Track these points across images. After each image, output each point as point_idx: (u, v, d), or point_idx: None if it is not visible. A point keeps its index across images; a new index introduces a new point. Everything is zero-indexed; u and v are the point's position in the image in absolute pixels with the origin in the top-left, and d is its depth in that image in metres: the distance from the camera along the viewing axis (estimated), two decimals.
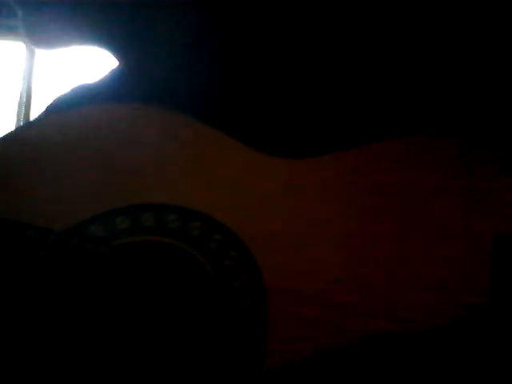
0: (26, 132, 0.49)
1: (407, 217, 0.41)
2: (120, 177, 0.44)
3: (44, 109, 0.57)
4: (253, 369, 0.38)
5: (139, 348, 0.39)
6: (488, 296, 0.38)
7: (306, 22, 0.49)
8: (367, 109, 0.47)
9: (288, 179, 0.43)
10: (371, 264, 0.40)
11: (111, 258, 0.40)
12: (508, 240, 0.39)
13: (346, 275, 0.40)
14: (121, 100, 0.49)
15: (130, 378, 0.39)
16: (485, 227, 0.40)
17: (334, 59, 0.49)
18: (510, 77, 0.45)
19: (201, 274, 0.41)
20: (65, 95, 0.56)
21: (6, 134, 0.48)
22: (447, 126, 0.44)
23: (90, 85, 0.55)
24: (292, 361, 0.38)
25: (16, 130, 0.50)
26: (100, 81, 0.55)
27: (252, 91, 0.49)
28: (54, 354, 0.39)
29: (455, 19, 0.47)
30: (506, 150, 0.42)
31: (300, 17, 0.49)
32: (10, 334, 0.39)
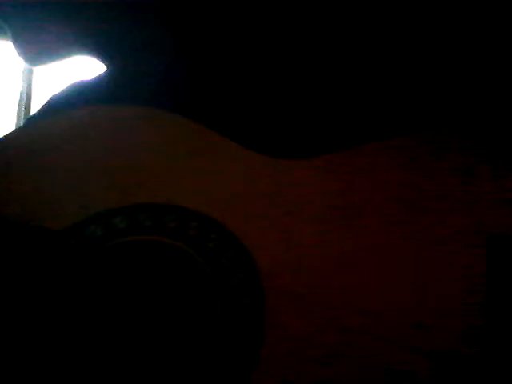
0: (26, 133, 0.49)
1: (405, 217, 0.41)
2: (118, 177, 0.44)
3: (40, 107, 0.57)
4: (250, 365, 0.38)
5: (138, 346, 0.39)
6: (484, 296, 0.38)
7: (302, 21, 0.49)
8: (364, 109, 0.47)
9: (286, 180, 0.44)
10: (370, 263, 0.40)
11: (109, 258, 0.40)
12: (502, 240, 0.39)
13: (343, 274, 0.40)
14: (113, 101, 0.49)
15: (128, 377, 0.39)
16: (483, 227, 0.40)
17: (329, 60, 0.49)
18: (508, 78, 0.46)
19: (198, 273, 0.41)
20: (59, 94, 0.56)
21: (6, 135, 0.48)
22: (446, 126, 0.44)
23: (82, 84, 0.55)
24: (289, 358, 0.38)
25: (15, 130, 0.50)
26: (92, 81, 0.55)
27: (246, 91, 0.50)
28: (52, 353, 0.39)
29: (455, 20, 0.47)
30: (504, 152, 0.42)
31: (295, 16, 0.50)
32: (10, 333, 0.39)
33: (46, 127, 0.47)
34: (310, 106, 0.48)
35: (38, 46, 0.53)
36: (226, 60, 0.50)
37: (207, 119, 0.45)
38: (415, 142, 0.43)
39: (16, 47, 0.54)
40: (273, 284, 0.40)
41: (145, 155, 0.44)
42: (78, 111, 0.47)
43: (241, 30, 0.50)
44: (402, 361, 0.37)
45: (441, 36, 0.47)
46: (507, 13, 0.46)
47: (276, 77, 0.49)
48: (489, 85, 0.45)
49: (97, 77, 0.56)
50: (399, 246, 0.40)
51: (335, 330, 0.38)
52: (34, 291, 0.40)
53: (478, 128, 0.44)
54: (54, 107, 0.55)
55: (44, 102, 0.58)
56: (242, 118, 0.48)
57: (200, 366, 0.38)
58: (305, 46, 0.49)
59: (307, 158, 0.43)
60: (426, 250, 0.40)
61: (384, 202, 0.41)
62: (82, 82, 0.56)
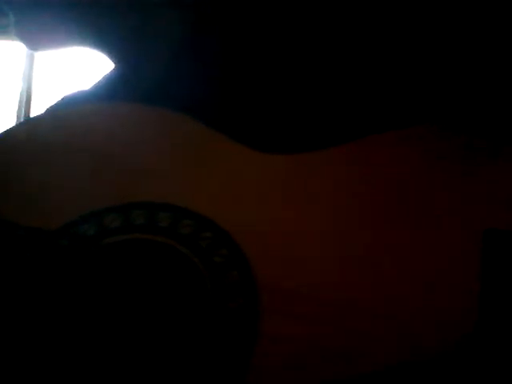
0: (25, 130, 0.49)
1: (406, 212, 0.41)
2: (118, 176, 0.44)
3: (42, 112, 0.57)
4: (241, 366, 0.38)
5: (133, 345, 0.39)
6: (479, 292, 0.38)
7: (302, 18, 0.49)
8: (365, 101, 0.47)
9: (285, 176, 0.43)
10: (367, 261, 0.40)
11: (101, 257, 0.40)
12: (498, 235, 0.39)
13: (341, 273, 0.40)
14: (115, 99, 0.49)
15: (125, 377, 0.39)
16: (483, 222, 0.40)
17: (330, 53, 0.49)
18: (509, 74, 0.45)
19: (192, 272, 0.41)
20: (62, 100, 0.56)
21: (5, 131, 0.48)
22: (446, 124, 0.44)
23: (86, 90, 0.55)
24: (281, 359, 0.38)
25: (15, 127, 0.49)
26: (97, 84, 0.55)
27: (247, 88, 0.49)
28: (49, 353, 0.39)
29: (457, 16, 0.47)
30: (505, 146, 0.42)
31: (296, 12, 0.49)
32: (4, 333, 0.39)
33: (46, 126, 0.47)
34: (310, 102, 0.48)
35: (41, 31, 0.53)
36: (228, 60, 0.50)
37: (209, 118, 0.45)
38: (414, 139, 0.43)
39: (18, 31, 0.54)
40: (270, 283, 0.39)
41: (146, 155, 0.44)
42: (79, 110, 0.47)
43: (244, 28, 0.50)
44: (398, 356, 0.37)
45: (441, 31, 0.47)
46: (507, 11, 0.46)
47: (278, 73, 0.49)
48: (490, 81, 0.45)
49: (101, 80, 0.55)
50: (399, 245, 0.40)
51: (334, 330, 0.38)
52: (27, 292, 0.39)
53: (477, 125, 0.44)
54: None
55: (46, 110, 0.58)
56: (245, 116, 0.48)
57: (194, 364, 0.38)
58: (306, 43, 0.49)
59: (306, 155, 0.43)
60: (425, 249, 0.40)
61: (383, 200, 0.41)
62: (85, 88, 0.55)
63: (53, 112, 0.53)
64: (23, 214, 0.42)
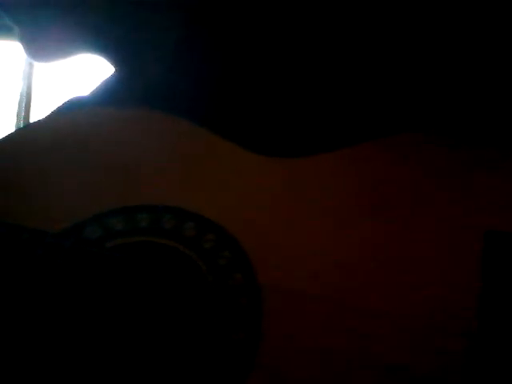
0: (27, 133, 0.49)
1: (404, 215, 0.41)
2: (118, 177, 0.44)
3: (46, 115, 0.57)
4: (247, 366, 0.38)
5: (136, 348, 0.40)
6: (479, 293, 0.38)
7: (299, 20, 0.49)
8: (362, 106, 0.47)
9: (284, 179, 0.44)
10: (369, 261, 0.40)
11: (105, 260, 0.40)
12: (499, 237, 0.39)
13: (343, 275, 0.40)
14: (118, 105, 0.49)
15: (127, 378, 0.39)
16: (482, 225, 0.40)
17: (326, 57, 0.49)
18: (506, 76, 0.46)
19: (195, 274, 0.41)
20: (62, 106, 0.56)
21: (7, 135, 0.49)
22: (444, 124, 0.44)
23: (85, 96, 0.55)
24: (286, 359, 0.38)
25: (16, 131, 0.50)
26: (96, 89, 0.55)
27: (245, 91, 0.50)
28: (51, 355, 0.39)
29: (450, 19, 0.47)
30: (503, 148, 0.42)
31: (293, 14, 0.50)
32: (6, 337, 0.39)
33: (46, 128, 0.47)
34: (309, 105, 0.48)
35: (45, 43, 0.53)
36: (229, 61, 0.50)
37: (209, 120, 0.45)
38: (413, 139, 0.43)
39: (22, 43, 0.53)
40: (274, 285, 0.40)
41: (146, 157, 0.44)
42: (79, 112, 0.47)
43: (243, 29, 0.50)
44: (401, 359, 0.37)
45: (435, 34, 0.47)
46: (506, 13, 0.46)
47: (276, 77, 0.49)
48: (488, 84, 0.45)
49: (100, 84, 0.55)
50: (399, 246, 0.40)
51: (336, 331, 0.38)
52: (30, 293, 0.40)
53: (477, 126, 0.44)
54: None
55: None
56: (244, 118, 0.48)
57: (196, 366, 0.38)
58: (304, 45, 0.49)
59: (308, 158, 0.43)
60: (424, 249, 0.40)
61: (383, 201, 0.41)
62: (84, 94, 0.55)
63: (55, 115, 0.53)
64: (24, 216, 0.42)
